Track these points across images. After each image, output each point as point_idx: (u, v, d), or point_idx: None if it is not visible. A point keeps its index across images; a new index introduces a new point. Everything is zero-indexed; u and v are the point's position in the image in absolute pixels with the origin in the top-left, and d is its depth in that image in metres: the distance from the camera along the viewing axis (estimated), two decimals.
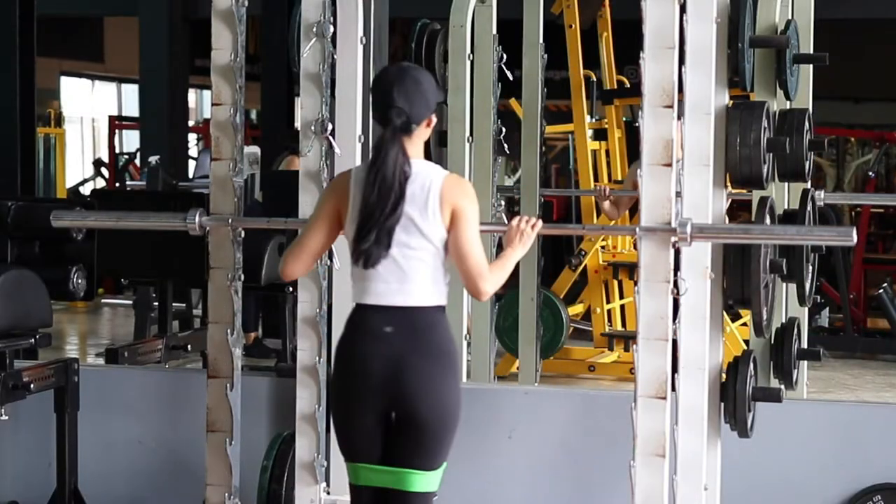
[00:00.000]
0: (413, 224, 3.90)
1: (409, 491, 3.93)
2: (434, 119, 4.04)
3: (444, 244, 3.93)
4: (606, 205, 8.09)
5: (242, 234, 4.83)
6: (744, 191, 5.41)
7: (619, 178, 9.31)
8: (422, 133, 3.99)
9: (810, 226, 4.88)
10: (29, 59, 7.49)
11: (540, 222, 4.13)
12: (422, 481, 3.94)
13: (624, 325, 9.26)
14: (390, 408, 3.93)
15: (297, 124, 4.78)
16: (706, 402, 4.38)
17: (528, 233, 4.08)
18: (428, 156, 4.06)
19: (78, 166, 17.84)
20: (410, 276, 3.91)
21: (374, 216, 3.87)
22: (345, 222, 3.98)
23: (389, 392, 3.89)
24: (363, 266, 3.91)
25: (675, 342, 4.34)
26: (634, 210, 8.47)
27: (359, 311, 3.98)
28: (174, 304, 8.08)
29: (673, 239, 4.21)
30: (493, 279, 3.94)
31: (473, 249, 3.93)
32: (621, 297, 9.21)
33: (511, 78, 6.77)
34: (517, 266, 4.25)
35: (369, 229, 3.88)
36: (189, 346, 7.25)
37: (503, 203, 7.15)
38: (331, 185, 4.17)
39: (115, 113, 19.54)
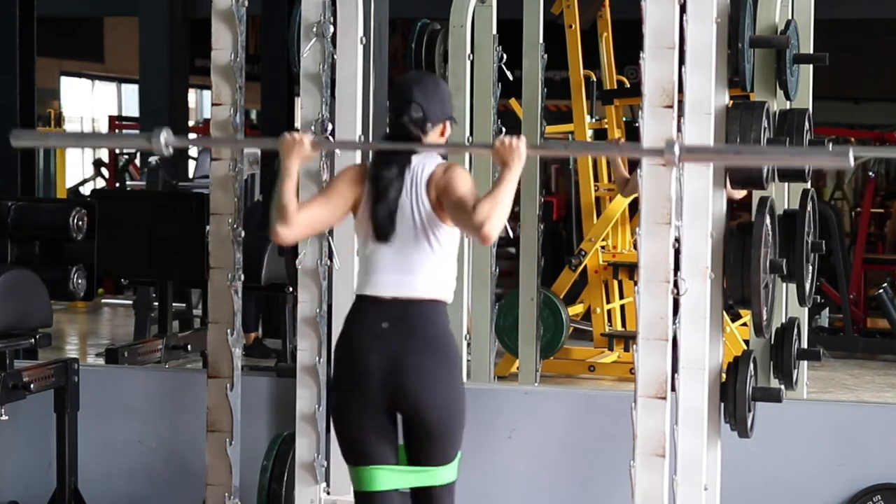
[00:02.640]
0: (413, 213, 3.87)
1: (432, 486, 3.95)
2: (448, 129, 3.98)
3: (442, 233, 3.89)
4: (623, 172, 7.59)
5: (242, 234, 4.83)
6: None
7: None
8: (434, 139, 3.94)
9: (804, 147, 4.67)
10: (29, 59, 7.47)
11: (524, 137, 3.84)
12: (441, 474, 3.95)
13: (624, 325, 9.25)
14: (394, 407, 3.92)
15: (297, 124, 4.79)
16: (706, 402, 4.38)
17: (517, 147, 3.78)
18: None
19: (78, 166, 17.81)
20: (412, 268, 3.88)
21: (382, 197, 3.86)
22: (358, 205, 3.93)
23: (390, 390, 3.87)
24: (375, 237, 3.87)
25: (675, 342, 4.34)
26: (634, 210, 8.46)
27: (359, 303, 3.95)
28: (174, 304, 8.08)
29: (661, 161, 4.02)
30: (490, 216, 3.77)
31: (464, 197, 3.83)
32: (621, 297, 9.21)
33: (511, 78, 6.76)
34: (517, 266, 4.22)
35: (380, 209, 3.86)
36: (189, 346, 7.24)
37: None
38: (349, 168, 4.09)
39: (115, 113, 19.52)
